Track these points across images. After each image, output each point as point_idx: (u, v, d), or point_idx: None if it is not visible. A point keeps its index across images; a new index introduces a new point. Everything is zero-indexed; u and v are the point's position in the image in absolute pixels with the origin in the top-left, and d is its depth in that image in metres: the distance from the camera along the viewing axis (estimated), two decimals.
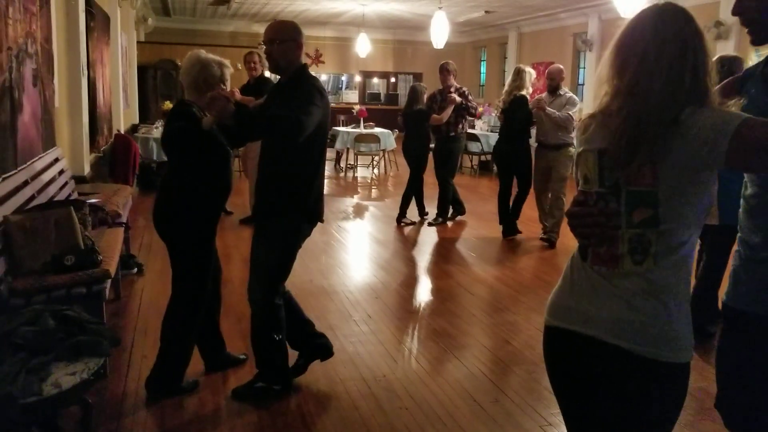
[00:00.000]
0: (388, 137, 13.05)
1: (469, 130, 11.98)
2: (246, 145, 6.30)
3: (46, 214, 4.05)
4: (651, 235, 1.68)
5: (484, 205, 9.76)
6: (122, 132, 10.25)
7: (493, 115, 14.31)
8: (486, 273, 6.46)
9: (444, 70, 8.27)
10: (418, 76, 20.75)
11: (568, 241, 7.39)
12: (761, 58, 2.22)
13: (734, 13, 1.96)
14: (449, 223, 8.66)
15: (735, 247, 2.15)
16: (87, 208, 4.86)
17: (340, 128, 13.97)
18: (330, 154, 12.01)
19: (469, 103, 8.26)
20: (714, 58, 4.07)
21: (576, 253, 1.85)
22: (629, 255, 1.70)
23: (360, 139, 12.74)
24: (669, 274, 1.69)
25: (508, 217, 7.97)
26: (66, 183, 5.72)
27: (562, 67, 7.88)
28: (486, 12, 16.82)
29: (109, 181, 8.22)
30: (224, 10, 17.35)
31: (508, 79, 7.86)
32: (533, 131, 7.90)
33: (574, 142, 1.83)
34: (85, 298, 3.83)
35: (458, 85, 8.36)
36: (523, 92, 7.59)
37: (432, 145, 8.67)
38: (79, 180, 6.61)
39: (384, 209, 9.72)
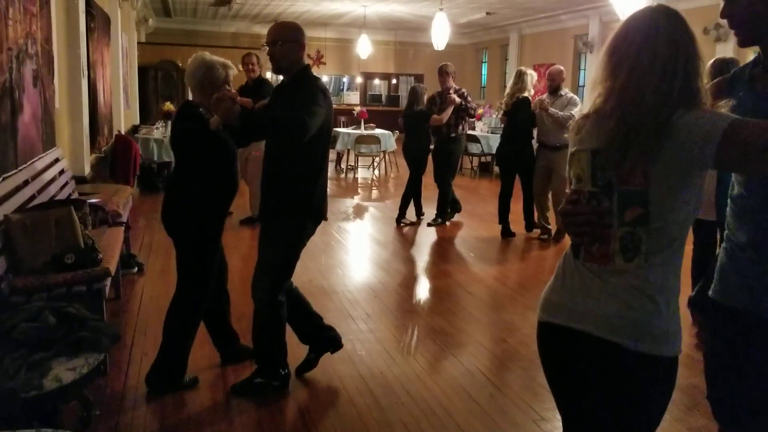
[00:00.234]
0: (388, 138, 13.09)
1: (469, 132, 12.04)
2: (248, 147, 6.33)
3: (47, 213, 4.09)
4: (642, 233, 1.71)
5: (484, 206, 9.79)
6: (123, 133, 10.28)
7: (494, 116, 14.38)
8: (484, 273, 6.50)
9: (443, 73, 8.34)
10: (419, 78, 20.76)
11: (567, 240, 7.39)
12: None
13: (722, 16, 1.98)
14: (448, 224, 8.69)
15: (723, 244, 2.18)
16: (87, 208, 4.90)
17: (341, 129, 14.00)
18: (331, 155, 12.07)
19: (468, 104, 8.32)
20: (711, 61, 4.09)
21: (568, 250, 1.88)
22: (621, 253, 1.74)
23: (360, 140, 12.77)
24: (659, 271, 1.73)
25: (508, 217, 8.03)
26: (66, 183, 5.75)
27: (562, 68, 7.98)
28: (487, 13, 16.86)
29: (110, 181, 8.25)
30: (225, 11, 17.40)
31: (510, 82, 7.94)
32: (534, 132, 7.96)
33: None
34: (85, 296, 3.86)
35: (457, 87, 8.41)
36: (525, 94, 7.67)
37: (432, 147, 8.72)
38: (80, 180, 6.64)
39: (384, 210, 9.75)
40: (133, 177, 9.13)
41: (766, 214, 2.01)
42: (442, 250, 7.60)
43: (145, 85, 14.50)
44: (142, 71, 14.35)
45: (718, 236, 4.78)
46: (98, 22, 8.66)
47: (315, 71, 3.71)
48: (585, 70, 16.31)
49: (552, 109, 7.37)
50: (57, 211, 4.12)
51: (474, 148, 13.02)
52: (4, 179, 4.14)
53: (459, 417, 3.56)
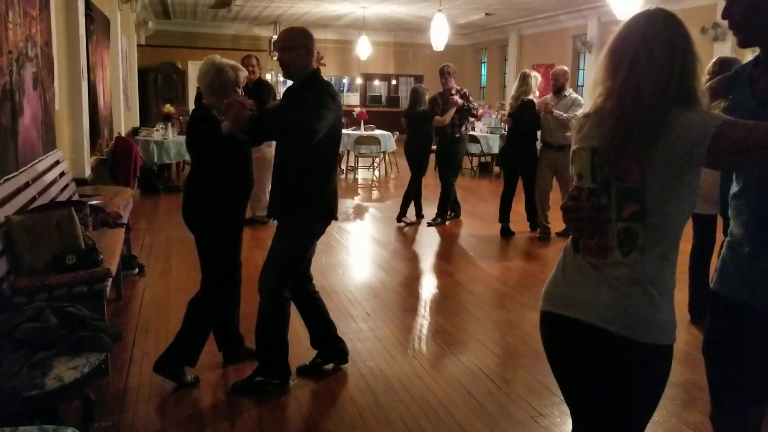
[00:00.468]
0: (388, 139, 13.12)
1: (469, 132, 12.06)
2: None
3: (48, 214, 4.11)
4: (638, 228, 1.78)
5: (484, 206, 9.81)
6: (123, 135, 10.31)
7: (493, 116, 14.41)
8: (483, 272, 6.52)
9: (444, 73, 8.42)
10: (419, 78, 20.78)
11: (567, 240, 7.44)
12: None
13: (723, 17, 2.05)
14: (447, 223, 8.71)
15: (726, 237, 2.26)
16: (88, 209, 4.92)
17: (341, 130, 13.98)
18: None
19: (470, 105, 8.42)
20: (713, 60, 4.14)
21: (569, 244, 1.96)
22: (618, 247, 1.81)
23: (360, 141, 12.80)
24: (654, 264, 1.80)
25: (509, 217, 8.09)
26: (67, 185, 5.78)
27: (566, 68, 8.14)
28: (486, 14, 16.88)
29: (110, 183, 8.27)
30: (225, 13, 17.42)
31: (515, 84, 8.03)
32: (538, 132, 8.06)
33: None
34: (86, 296, 3.88)
35: (458, 87, 8.48)
36: (530, 97, 7.77)
37: (434, 147, 8.78)
38: (80, 182, 6.67)
39: (384, 210, 9.77)
40: (134, 179, 9.15)
41: (759, 210, 2.08)
42: (442, 250, 7.63)
43: (145, 87, 14.55)
44: (142, 73, 14.39)
45: (723, 233, 4.88)
46: (98, 25, 8.69)
47: None
48: (584, 70, 16.32)
49: (556, 111, 7.50)
50: (58, 213, 4.15)
51: (474, 148, 13.03)
52: (5, 181, 4.16)
53: (459, 414, 3.58)
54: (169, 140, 10.73)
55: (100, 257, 4.09)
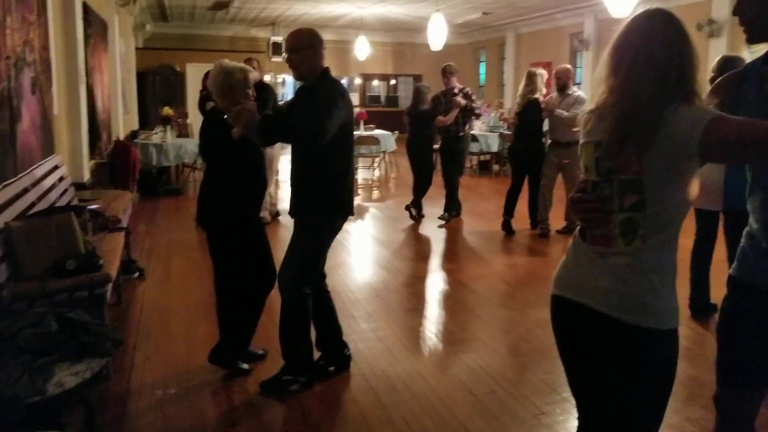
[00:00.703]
0: (388, 139, 13.12)
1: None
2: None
3: (47, 219, 4.10)
4: (639, 217, 1.88)
5: (485, 205, 9.82)
6: (121, 138, 10.28)
7: (492, 115, 14.40)
8: (484, 270, 6.52)
9: (447, 73, 8.55)
10: (417, 78, 20.74)
11: (569, 238, 7.46)
12: (753, 56, 2.33)
13: (734, 13, 2.12)
14: (448, 222, 8.71)
15: (746, 229, 2.32)
16: (87, 214, 4.91)
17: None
18: None
19: (473, 104, 8.52)
20: (717, 59, 4.18)
21: (577, 233, 2.07)
22: (621, 236, 1.91)
23: (360, 141, 12.78)
24: (655, 252, 1.89)
25: (512, 212, 8.15)
26: (66, 189, 5.77)
27: (569, 66, 8.26)
28: (484, 13, 16.87)
29: (110, 187, 8.27)
30: (223, 15, 17.40)
31: (522, 83, 8.09)
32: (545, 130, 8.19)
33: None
34: (86, 301, 3.87)
35: (461, 86, 8.56)
36: (536, 95, 7.85)
37: (437, 146, 8.86)
38: (80, 186, 6.66)
39: (385, 210, 9.78)
40: (133, 182, 9.15)
41: None
42: (443, 249, 7.64)
43: (143, 90, 14.52)
44: (141, 76, 14.38)
45: (724, 229, 4.88)
46: (95, 29, 8.68)
47: None
48: (581, 67, 16.31)
49: (558, 110, 7.61)
50: (57, 218, 4.14)
51: (473, 146, 13.01)
52: (4, 187, 4.16)
53: (461, 413, 3.58)
54: (168, 143, 10.69)
55: (100, 262, 4.08)
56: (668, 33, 1.85)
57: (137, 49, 15.36)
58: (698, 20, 11.27)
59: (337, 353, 4.12)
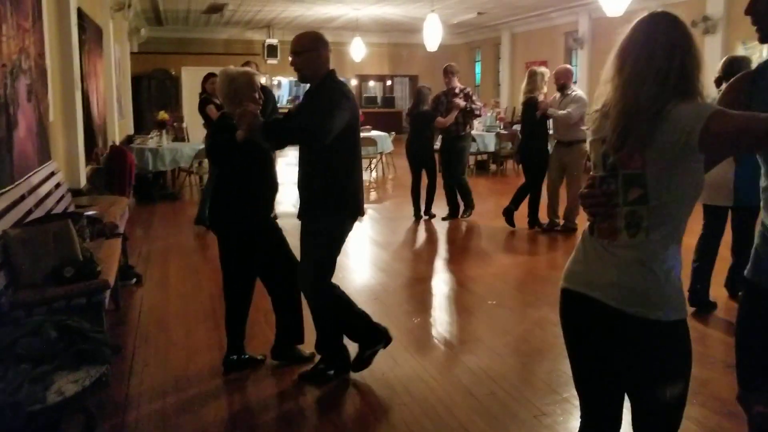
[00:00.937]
0: (385, 140, 13.10)
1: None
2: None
3: (45, 227, 4.10)
4: (642, 211, 1.93)
5: (483, 204, 9.80)
6: (117, 144, 10.26)
7: (488, 115, 14.41)
8: (483, 270, 6.52)
9: (448, 73, 8.64)
10: (414, 79, 20.82)
11: (568, 237, 7.46)
12: (747, 52, 2.33)
13: (746, 12, 2.12)
14: (446, 223, 8.74)
15: (759, 228, 2.30)
16: (84, 220, 4.91)
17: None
18: None
19: (473, 105, 8.57)
20: (723, 59, 4.21)
21: (586, 227, 2.12)
22: (625, 229, 1.96)
23: None
24: (659, 245, 1.94)
25: (518, 204, 8.19)
26: (63, 196, 5.76)
27: (569, 66, 8.36)
28: (479, 13, 16.90)
29: (106, 193, 8.25)
30: (218, 18, 17.41)
31: (523, 83, 8.15)
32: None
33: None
34: (85, 308, 3.87)
35: (462, 86, 8.64)
36: (537, 94, 7.90)
37: (437, 147, 8.96)
38: (76, 193, 6.65)
39: (382, 212, 9.78)
40: (129, 188, 9.13)
41: None
42: (442, 250, 7.65)
43: (138, 94, 14.51)
44: (136, 81, 14.36)
45: (732, 225, 4.88)
46: (90, 34, 8.69)
47: None
48: (576, 66, 16.34)
49: (550, 110, 7.69)
50: (55, 225, 4.14)
51: (471, 146, 13.03)
52: (1, 195, 4.16)
53: (461, 414, 3.58)
54: (164, 147, 10.65)
55: (98, 269, 4.08)
56: (671, 35, 1.91)
57: (132, 53, 15.35)
58: (693, 17, 11.30)
59: (338, 356, 4.07)
